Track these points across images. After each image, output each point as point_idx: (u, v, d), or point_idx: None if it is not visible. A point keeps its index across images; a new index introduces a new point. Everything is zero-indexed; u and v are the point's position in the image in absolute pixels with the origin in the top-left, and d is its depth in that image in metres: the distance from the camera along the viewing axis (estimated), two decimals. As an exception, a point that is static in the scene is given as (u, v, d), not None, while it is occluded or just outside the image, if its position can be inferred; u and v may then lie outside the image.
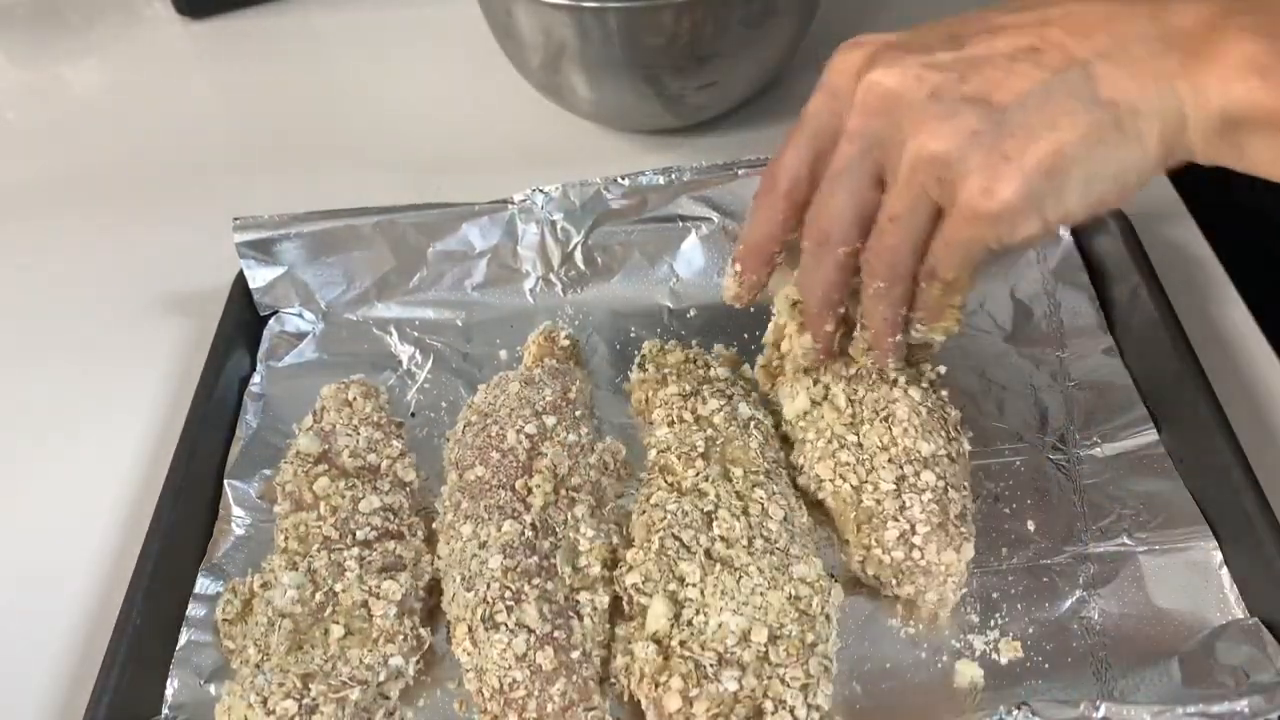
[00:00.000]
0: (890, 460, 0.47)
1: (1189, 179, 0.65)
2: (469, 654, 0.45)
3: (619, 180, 0.60)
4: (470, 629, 0.45)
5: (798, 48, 0.70)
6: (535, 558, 0.46)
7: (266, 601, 0.47)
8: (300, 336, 0.60)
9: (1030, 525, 0.49)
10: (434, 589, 0.49)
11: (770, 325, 0.57)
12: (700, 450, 0.50)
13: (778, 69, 0.70)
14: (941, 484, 0.47)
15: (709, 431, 0.51)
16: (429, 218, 0.60)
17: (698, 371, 0.55)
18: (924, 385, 0.51)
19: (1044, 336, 0.56)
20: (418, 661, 0.46)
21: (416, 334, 0.60)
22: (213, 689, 0.46)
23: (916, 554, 0.45)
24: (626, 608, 0.46)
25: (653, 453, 0.51)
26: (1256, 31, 0.36)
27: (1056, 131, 0.37)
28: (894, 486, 0.47)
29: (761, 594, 0.44)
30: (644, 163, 0.63)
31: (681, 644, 0.43)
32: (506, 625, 0.44)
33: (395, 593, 0.47)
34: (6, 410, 0.61)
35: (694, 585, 0.45)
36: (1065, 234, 0.59)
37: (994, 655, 0.45)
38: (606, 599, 0.47)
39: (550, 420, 0.52)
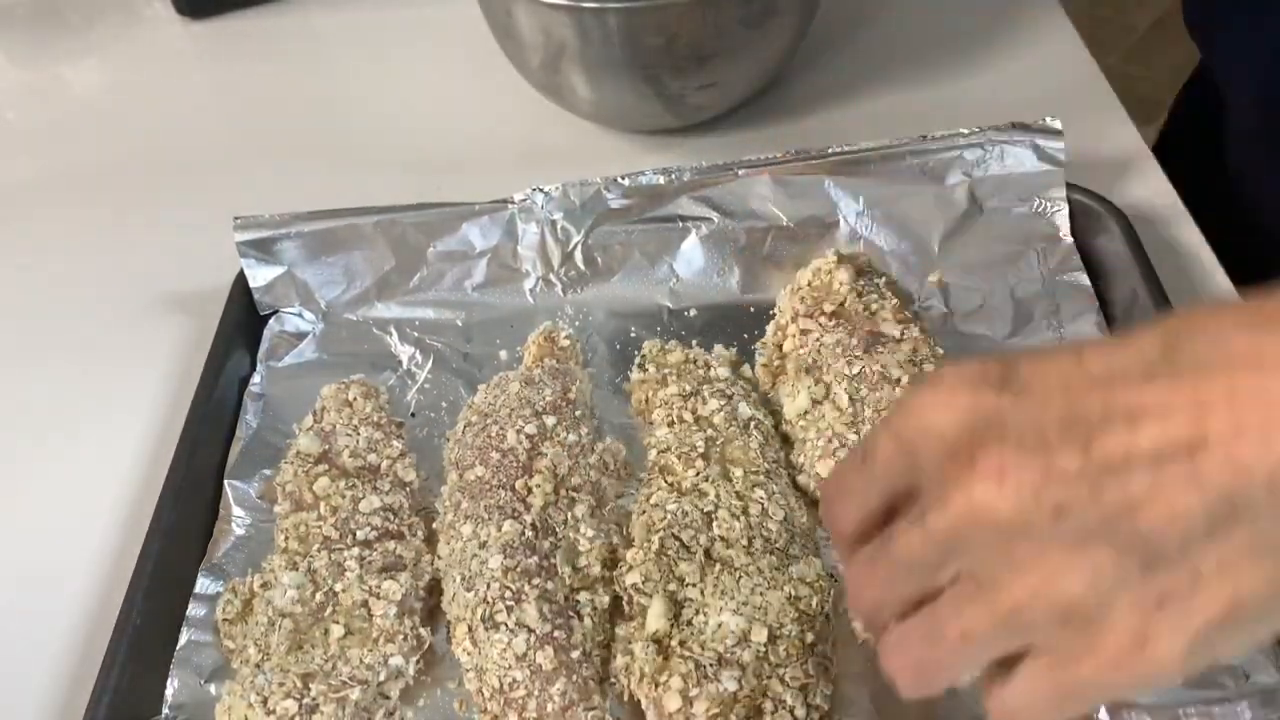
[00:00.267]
0: None
1: (1189, 179, 0.65)
2: (469, 654, 0.45)
3: (619, 180, 0.60)
4: (470, 629, 0.45)
5: (798, 48, 0.70)
6: (535, 558, 0.46)
7: (267, 601, 0.47)
8: (300, 336, 0.60)
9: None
10: (434, 589, 0.49)
11: (770, 325, 0.57)
12: (700, 450, 0.50)
13: (778, 69, 0.70)
14: None
15: (709, 432, 0.51)
16: (429, 218, 0.60)
17: (698, 372, 0.55)
18: None
19: (1044, 337, 0.56)
20: (418, 661, 0.46)
21: (416, 334, 0.60)
22: (213, 689, 0.46)
23: None
24: (626, 608, 0.46)
25: (653, 453, 0.51)
26: None
27: (1232, 576, 0.28)
28: None
29: (761, 594, 0.44)
30: (644, 163, 0.63)
31: (681, 644, 0.43)
32: (506, 625, 0.44)
33: (395, 593, 0.47)
34: (6, 410, 0.61)
35: (694, 585, 0.45)
36: (1066, 236, 0.59)
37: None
38: (606, 599, 0.47)
39: (550, 420, 0.52)
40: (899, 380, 0.51)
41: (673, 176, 0.60)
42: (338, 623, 0.46)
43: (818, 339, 0.54)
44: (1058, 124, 0.58)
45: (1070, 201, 0.59)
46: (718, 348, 0.57)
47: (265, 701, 0.43)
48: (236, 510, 0.52)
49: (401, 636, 0.46)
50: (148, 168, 0.76)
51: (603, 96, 0.68)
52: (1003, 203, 0.59)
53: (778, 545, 0.46)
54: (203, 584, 0.49)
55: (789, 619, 0.43)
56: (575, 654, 0.44)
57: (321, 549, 0.48)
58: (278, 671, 0.44)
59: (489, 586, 0.45)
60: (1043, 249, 0.59)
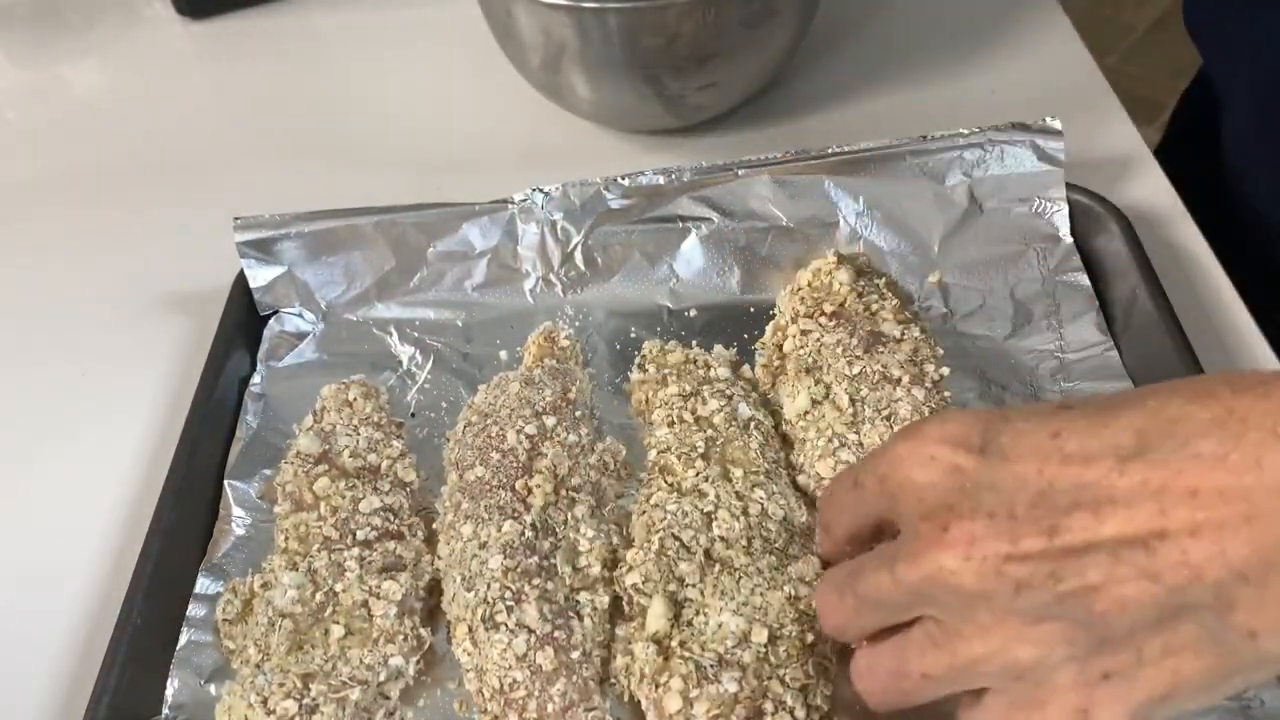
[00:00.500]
0: None
1: (1189, 179, 0.65)
2: (469, 654, 0.45)
3: (619, 180, 0.60)
4: (470, 629, 0.45)
5: (798, 48, 0.70)
6: (535, 558, 0.46)
7: (267, 601, 0.47)
8: (300, 336, 0.60)
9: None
10: (434, 589, 0.49)
11: (770, 325, 0.57)
12: (700, 451, 0.50)
13: (778, 69, 0.70)
14: None
15: (709, 432, 0.51)
16: (429, 218, 0.60)
17: (698, 372, 0.55)
18: (927, 385, 0.51)
19: (1044, 337, 0.56)
20: (418, 661, 0.46)
21: (416, 334, 0.60)
22: (213, 689, 0.46)
23: None
24: (626, 608, 0.46)
25: (653, 453, 0.51)
26: None
27: (1174, 660, 0.30)
28: None
29: (761, 594, 0.44)
30: (644, 163, 0.63)
31: (681, 644, 0.43)
32: (507, 625, 0.44)
33: (395, 593, 0.47)
34: (6, 410, 0.61)
35: (694, 585, 0.45)
36: (1065, 237, 0.59)
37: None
38: (606, 599, 0.47)
39: (550, 420, 0.52)
40: (899, 380, 0.51)
41: (673, 176, 0.60)
42: (338, 623, 0.46)
43: (818, 339, 0.54)
44: (1058, 124, 0.58)
45: (1070, 202, 0.59)
46: (718, 348, 0.57)
47: (265, 702, 0.43)
48: (236, 510, 0.52)
49: (401, 637, 0.46)
50: (148, 168, 0.76)
51: (603, 96, 0.68)
52: (1002, 203, 0.59)
53: (777, 545, 0.46)
54: (203, 584, 0.49)
55: (789, 619, 0.43)
56: (575, 654, 0.44)
57: (321, 549, 0.48)
58: (278, 672, 0.44)
59: (489, 587, 0.45)
60: (1042, 249, 0.59)
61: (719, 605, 0.44)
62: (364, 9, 0.88)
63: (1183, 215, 0.62)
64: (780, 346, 0.56)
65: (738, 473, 0.49)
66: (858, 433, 0.49)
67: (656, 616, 0.44)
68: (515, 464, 0.50)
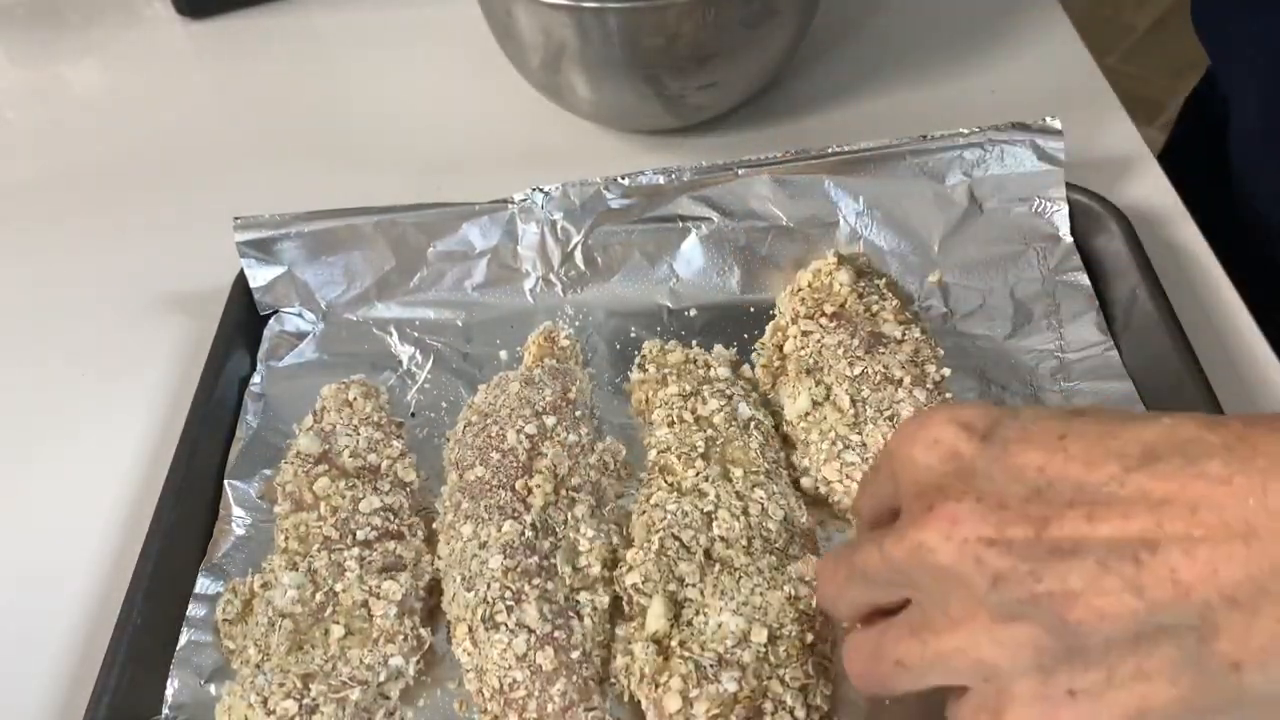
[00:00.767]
0: None
1: (1189, 179, 0.65)
2: (469, 654, 0.45)
3: (619, 180, 0.60)
4: (470, 629, 0.45)
5: (798, 48, 0.70)
6: (535, 558, 0.46)
7: (267, 601, 0.47)
8: (300, 336, 0.60)
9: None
10: (434, 589, 0.49)
11: (770, 326, 0.57)
12: (700, 450, 0.50)
13: (778, 69, 0.70)
14: None
15: (709, 432, 0.51)
16: (429, 218, 0.60)
17: (698, 372, 0.55)
18: (929, 386, 0.51)
19: (1044, 336, 0.56)
20: (418, 661, 0.46)
21: (416, 334, 0.60)
22: (213, 689, 0.46)
23: None
24: (626, 608, 0.46)
25: (653, 453, 0.51)
26: None
27: (1145, 686, 0.29)
28: None
29: (761, 594, 0.44)
30: (644, 163, 0.63)
31: (681, 644, 0.43)
32: (507, 625, 0.44)
33: (395, 593, 0.47)
34: (6, 410, 0.61)
35: (693, 585, 0.45)
36: (1065, 236, 0.59)
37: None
38: (606, 599, 0.47)
39: (550, 420, 0.52)
40: (901, 381, 0.50)
41: (673, 176, 0.60)
42: (338, 623, 0.46)
43: (819, 340, 0.54)
44: (1057, 123, 0.58)
45: (1070, 201, 0.59)
46: (718, 348, 0.57)
47: (265, 702, 0.43)
48: (236, 510, 0.52)
49: (401, 637, 0.46)
50: (148, 168, 0.76)
51: (603, 96, 0.68)
52: (1002, 202, 0.59)
53: (777, 545, 0.46)
54: (203, 584, 0.49)
55: (789, 619, 0.43)
56: (575, 654, 0.44)
57: (321, 549, 0.48)
58: (278, 672, 0.44)
59: (489, 586, 0.45)
60: (1042, 248, 0.59)
61: (719, 605, 0.44)
62: (364, 9, 0.88)
63: (1183, 215, 0.62)
64: (780, 347, 0.56)
65: (738, 473, 0.49)
66: (860, 434, 0.49)
67: (656, 616, 0.44)
68: (515, 464, 0.50)
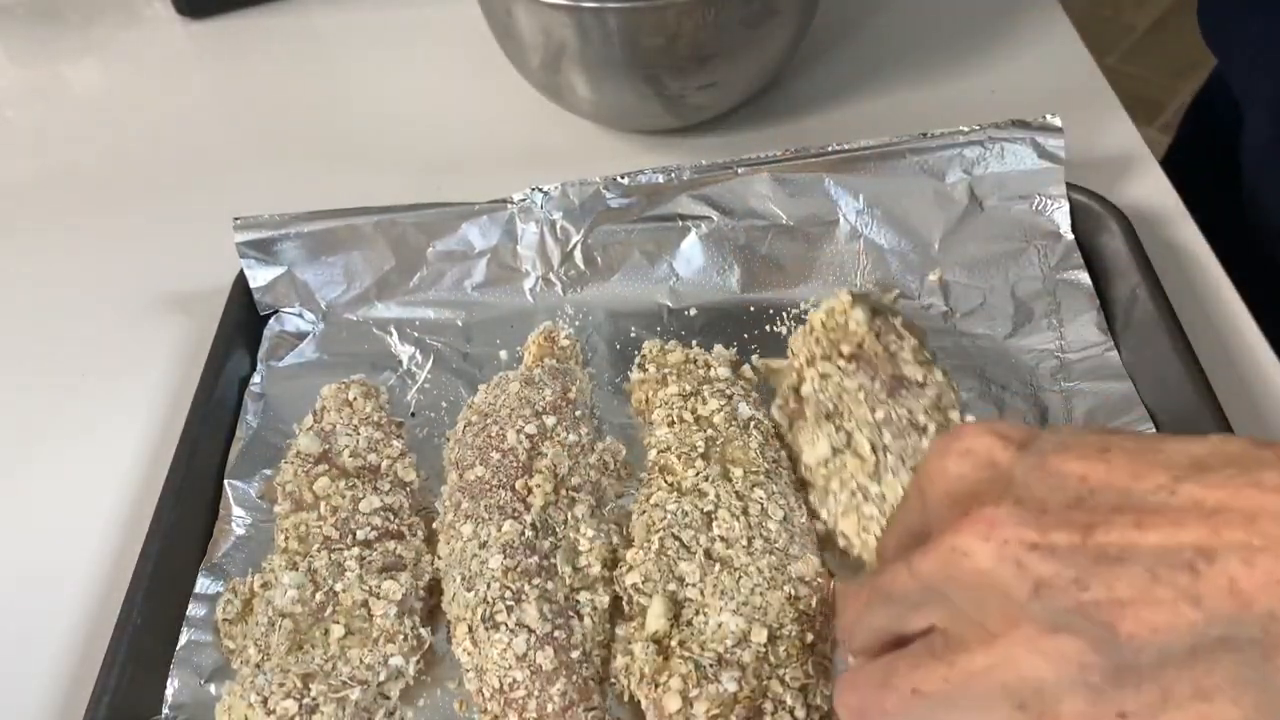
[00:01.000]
0: None
1: (1189, 179, 0.65)
2: (469, 654, 0.45)
3: (619, 179, 0.60)
4: (470, 629, 0.45)
5: (798, 48, 0.70)
6: (535, 558, 0.46)
7: (267, 601, 0.47)
8: (300, 336, 0.60)
9: (1030, 525, 0.49)
10: (434, 589, 0.49)
11: (785, 366, 0.55)
12: (700, 450, 0.50)
13: (778, 69, 0.70)
14: None
15: (709, 431, 0.51)
16: (429, 217, 0.60)
17: (698, 371, 0.55)
18: None
19: (1044, 336, 0.56)
20: (418, 661, 0.46)
21: (416, 334, 0.60)
22: (213, 689, 0.46)
23: None
24: (626, 608, 0.46)
25: (653, 453, 0.51)
26: None
27: (1205, 707, 0.26)
28: None
29: (761, 594, 0.44)
30: (644, 163, 0.63)
31: (681, 644, 0.43)
32: (507, 625, 0.44)
33: (395, 593, 0.47)
34: (6, 410, 0.61)
35: (693, 585, 0.45)
36: (1066, 234, 0.59)
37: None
38: (606, 599, 0.47)
39: (550, 420, 0.52)
40: (925, 428, 0.49)
41: (672, 175, 0.60)
42: (338, 623, 0.46)
43: (838, 383, 0.51)
44: (1058, 121, 0.58)
45: (1070, 201, 0.59)
46: (718, 347, 0.57)
47: (265, 702, 0.43)
48: (236, 510, 0.52)
49: (401, 636, 0.46)
50: (148, 168, 0.76)
51: (603, 96, 0.68)
52: (1003, 200, 0.59)
53: (777, 545, 0.46)
54: (203, 584, 0.49)
55: (789, 619, 0.43)
56: (575, 654, 0.44)
57: (321, 549, 0.48)
58: (278, 672, 0.44)
59: (489, 586, 0.45)
60: (1043, 246, 0.59)
61: (719, 605, 0.44)
62: (364, 9, 0.88)
63: (1183, 215, 0.62)
64: (797, 390, 0.53)
65: (738, 472, 0.49)
66: (879, 484, 0.47)
67: (656, 616, 0.44)
68: (515, 464, 0.50)
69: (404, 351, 0.59)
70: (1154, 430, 0.51)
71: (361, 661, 0.45)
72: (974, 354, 0.56)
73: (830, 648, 0.44)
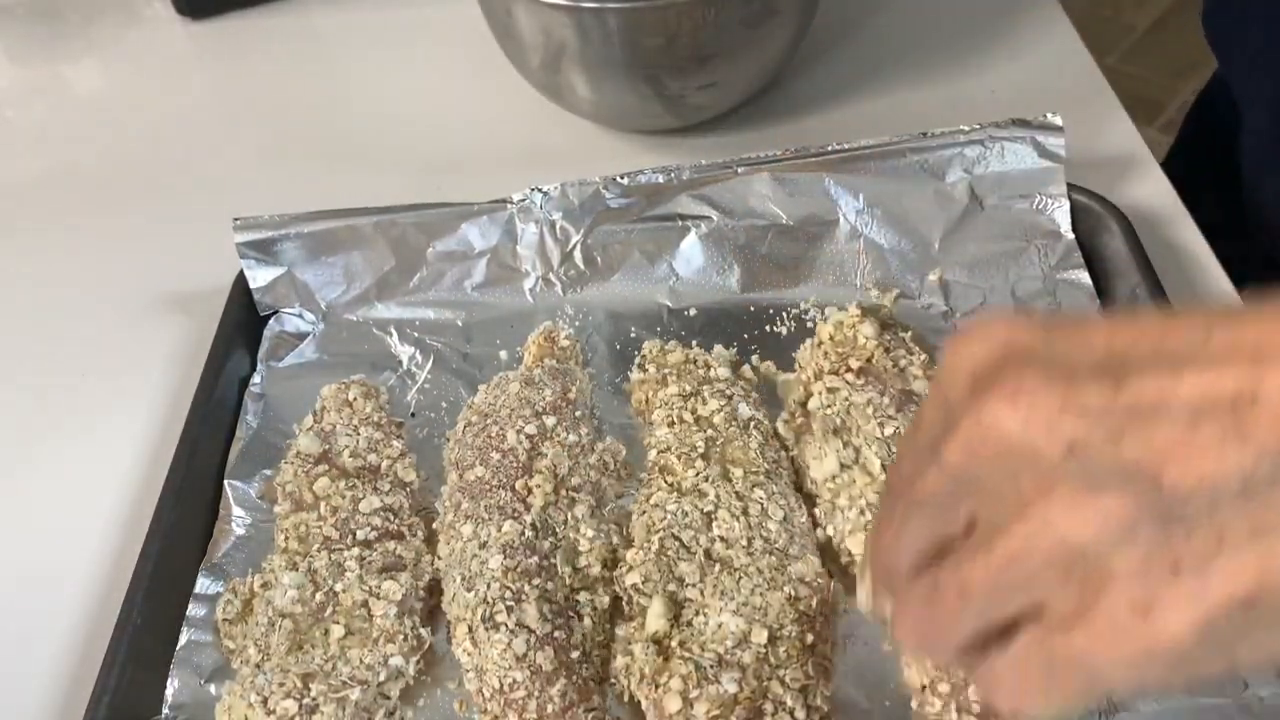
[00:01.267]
0: None
1: (1189, 179, 0.65)
2: (469, 654, 0.45)
3: (618, 179, 0.60)
4: (470, 629, 0.45)
5: (798, 48, 0.70)
6: (535, 558, 0.46)
7: (267, 601, 0.47)
8: (300, 337, 0.60)
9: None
10: (434, 589, 0.49)
11: (793, 379, 0.55)
12: (700, 450, 0.50)
13: (778, 69, 0.70)
14: None
15: (709, 432, 0.51)
16: (429, 218, 0.60)
17: (698, 372, 0.55)
18: None
19: (1044, 336, 0.56)
20: (418, 661, 0.46)
21: (416, 334, 0.60)
22: (213, 689, 0.46)
23: None
24: (626, 608, 0.46)
25: (653, 453, 0.51)
26: None
27: (1265, 545, 0.24)
28: None
29: (761, 595, 0.44)
30: (644, 163, 0.63)
31: (681, 645, 0.43)
32: (506, 625, 0.44)
33: (395, 593, 0.47)
34: (6, 410, 0.61)
35: (693, 586, 0.45)
36: (1067, 233, 0.59)
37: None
38: (606, 599, 0.47)
39: (550, 420, 0.52)
40: None
41: (672, 175, 0.60)
42: (338, 623, 0.46)
43: (846, 398, 0.51)
44: (1058, 120, 0.58)
45: (1070, 201, 0.59)
46: (718, 347, 0.57)
47: (265, 702, 0.43)
48: (236, 510, 0.52)
49: (401, 636, 0.46)
50: (148, 168, 0.76)
51: (603, 96, 0.68)
52: (1003, 199, 0.59)
53: (777, 545, 0.46)
54: (203, 584, 0.49)
55: (789, 620, 0.43)
56: (575, 654, 0.44)
57: (321, 549, 0.48)
58: (278, 672, 0.44)
59: (489, 586, 0.45)
60: (1043, 245, 0.59)
61: (719, 605, 0.44)
62: (364, 9, 0.88)
63: (1183, 215, 0.62)
64: (804, 404, 0.53)
65: (738, 473, 0.49)
66: None
67: (656, 616, 0.44)
68: (515, 464, 0.50)
69: (404, 352, 0.59)
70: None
71: (361, 661, 0.45)
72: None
73: (830, 648, 0.44)
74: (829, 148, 0.60)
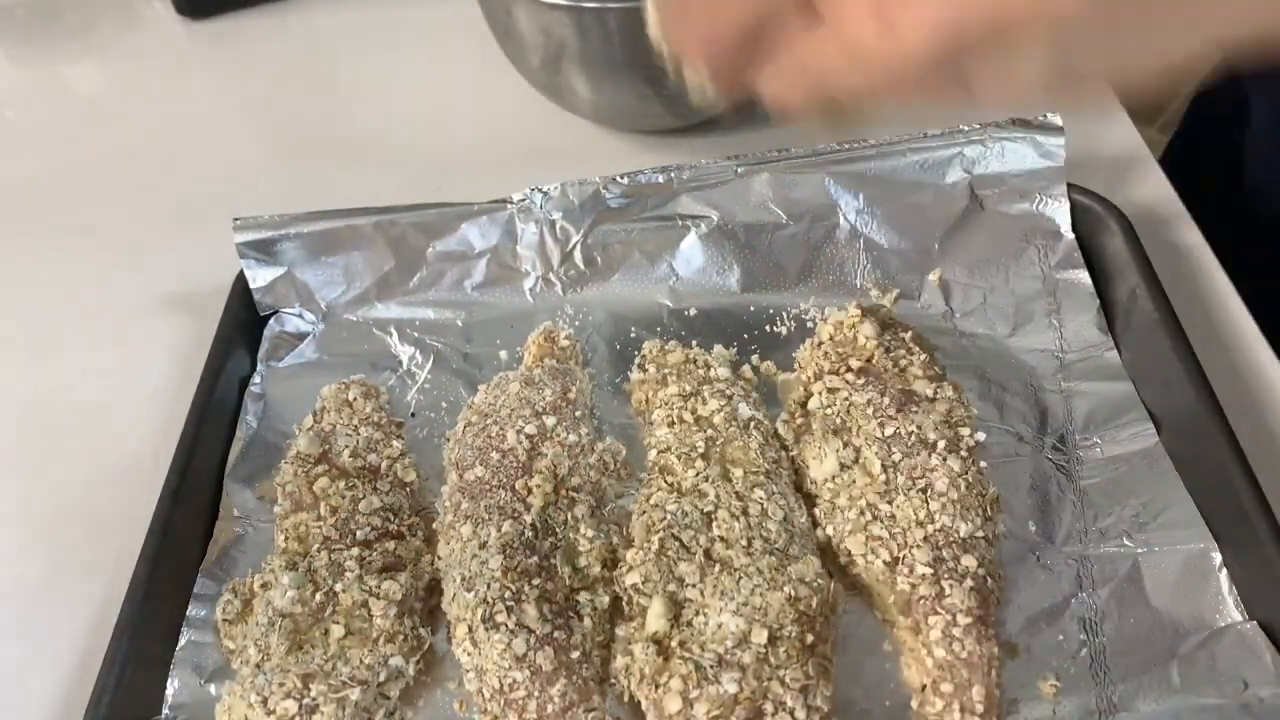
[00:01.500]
0: (926, 539, 0.46)
1: (1189, 179, 0.65)
2: (469, 654, 0.45)
3: (618, 179, 0.60)
4: (470, 629, 0.45)
5: (798, 47, 0.70)
6: (535, 558, 0.46)
7: (266, 602, 0.47)
8: (300, 337, 0.60)
9: (1030, 526, 0.49)
10: (434, 589, 0.49)
11: (793, 379, 0.55)
12: (700, 451, 0.50)
13: (778, 68, 0.70)
14: (981, 571, 0.45)
15: (709, 432, 0.51)
16: (429, 218, 0.60)
17: (698, 372, 0.55)
18: (963, 454, 0.49)
19: (1044, 336, 0.56)
20: (418, 661, 0.46)
21: (416, 334, 0.60)
22: (213, 689, 0.46)
23: (957, 646, 0.43)
24: (626, 608, 0.46)
25: (653, 453, 0.51)
26: None
27: None
28: (931, 570, 0.45)
29: (761, 595, 0.44)
30: (644, 163, 0.63)
31: (681, 645, 0.43)
32: (506, 625, 0.44)
33: (395, 593, 0.47)
34: (7, 410, 0.61)
35: (693, 586, 0.45)
36: (1067, 233, 0.59)
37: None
38: (606, 599, 0.47)
39: (550, 420, 0.52)
40: (935, 445, 0.48)
41: (672, 175, 0.60)
42: (338, 623, 0.46)
43: (846, 398, 0.51)
44: (1058, 120, 0.58)
45: (1071, 201, 0.59)
46: (718, 347, 0.57)
47: (265, 702, 0.43)
48: (236, 510, 0.52)
49: (401, 637, 0.46)
50: (148, 168, 0.76)
51: (602, 96, 0.68)
52: (1003, 199, 0.59)
53: (777, 546, 0.46)
54: (203, 584, 0.49)
55: (789, 620, 0.43)
56: (575, 654, 0.44)
57: (321, 549, 0.48)
58: (278, 672, 0.44)
59: (489, 587, 0.45)
60: (1043, 245, 0.59)
61: (719, 605, 0.44)
62: (364, 9, 0.88)
63: (1183, 215, 0.62)
64: (804, 404, 0.53)
65: (738, 473, 0.49)
66: (890, 503, 0.47)
67: (656, 616, 0.44)
68: (515, 464, 0.50)
69: (404, 352, 0.59)
70: (1154, 432, 0.51)
71: (361, 662, 0.45)
72: (974, 354, 0.56)
73: (830, 649, 0.44)
74: (829, 148, 0.60)
